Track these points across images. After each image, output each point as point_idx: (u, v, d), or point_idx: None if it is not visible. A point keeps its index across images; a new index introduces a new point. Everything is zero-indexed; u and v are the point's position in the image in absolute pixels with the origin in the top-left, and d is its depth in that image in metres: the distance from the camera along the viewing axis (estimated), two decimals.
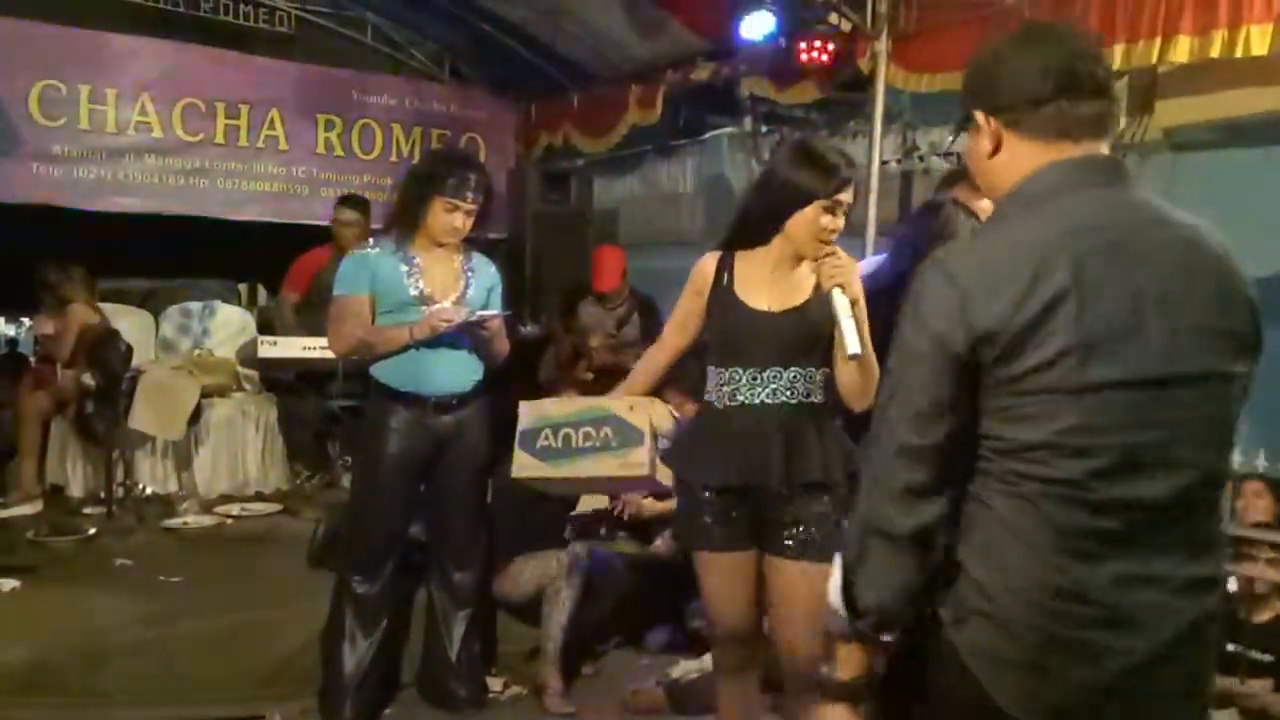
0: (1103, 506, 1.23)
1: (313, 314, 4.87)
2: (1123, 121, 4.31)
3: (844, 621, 1.33)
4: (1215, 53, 3.51)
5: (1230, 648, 3.23)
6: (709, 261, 2.41)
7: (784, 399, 2.29)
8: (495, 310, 3.18)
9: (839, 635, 1.35)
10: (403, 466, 3.07)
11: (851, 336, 2.12)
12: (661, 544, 4.17)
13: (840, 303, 2.16)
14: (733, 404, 2.32)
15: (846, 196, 2.29)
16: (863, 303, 2.22)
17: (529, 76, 6.70)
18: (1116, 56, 3.78)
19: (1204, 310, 1.27)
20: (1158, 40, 3.64)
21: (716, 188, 6.41)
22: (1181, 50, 3.58)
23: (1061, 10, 3.98)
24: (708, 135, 6.36)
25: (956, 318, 1.24)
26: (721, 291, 2.36)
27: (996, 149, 1.37)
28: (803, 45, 4.64)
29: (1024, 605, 1.25)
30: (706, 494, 2.35)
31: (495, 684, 3.45)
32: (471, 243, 3.19)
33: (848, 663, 1.35)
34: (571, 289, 5.64)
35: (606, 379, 5.22)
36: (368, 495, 3.14)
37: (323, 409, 4.67)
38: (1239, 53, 3.44)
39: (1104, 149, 1.34)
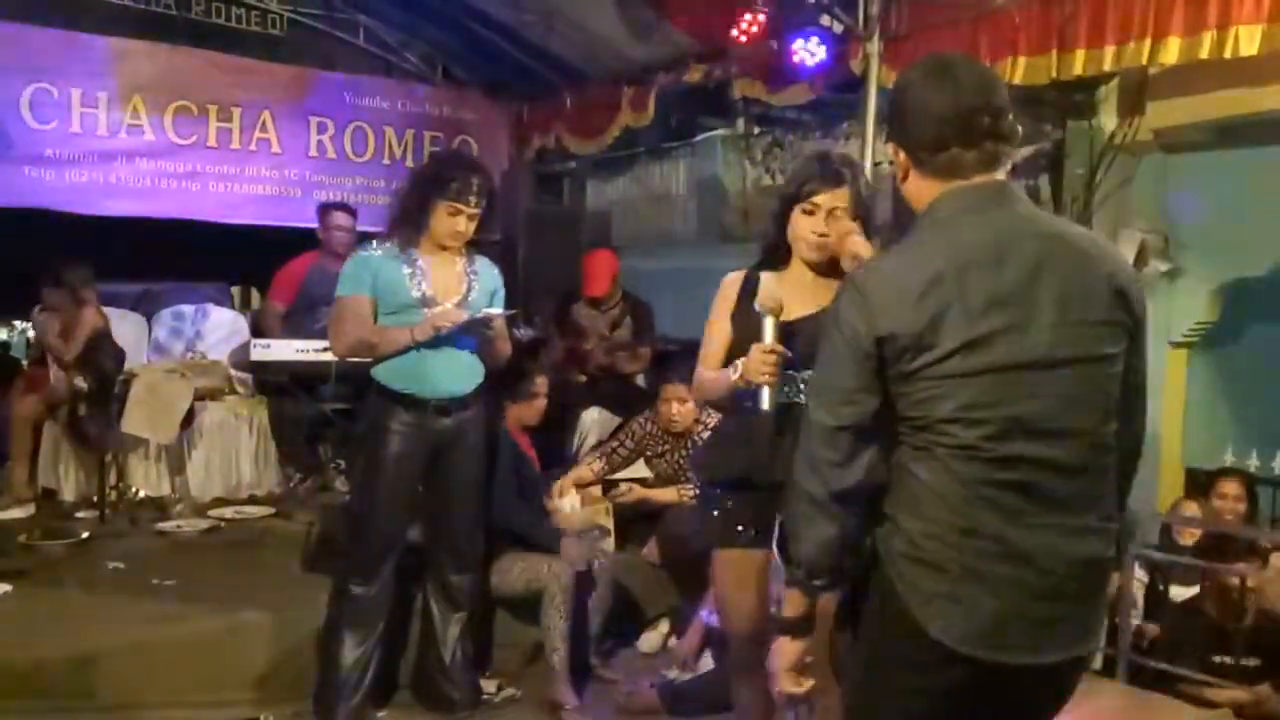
0: (998, 462, 1.49)
1: (301, 321, 4.88)
2: (1114, 122, 4.33)
3: (785, 572, 1.62)
4: (1205, 53, 3.52)
5: (1217, 659, 3.23)
6: (733, 279, 2.44)
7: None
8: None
9: (785, 583, 1.64)
10: (402, 468, 3.07)
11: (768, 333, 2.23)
12: (654, 546, 4.17)
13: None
14: (764, 406, 2.29)
15: (821, 200, 2.29)
16: None
17: (521, 78, 6.69)
18: (1107, 58, 3.80)
19: (1085, 305, 1.51)
20: (1148, 41, 3.66)
21: (709, 189, 6.43)
22: (1171, 51, 3.60)
23: (1050, 12, 3.99)
24: (700, 137, 6.38)
25: (865, 323, 1.50)
26: (744, 304, 2.38)
27: (905, 176, 1.62)
28: (794, 47, 4.64)
29: (941, 545, 1.51)
30: (718, 491, 2.38)
31: (489, 686, 3.45)
32: (474, 245, 3.18)
33: (792, 603, 1.64)
34: (565, 291, 5.64)
35: (602, 382, 5.25)
36: (367, 497, 3.13)
37: (315, 412, 4.66)
38: (1228, 53, 3.46)
39: (996, 175, 1.56)
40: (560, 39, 6.12)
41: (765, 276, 2.41)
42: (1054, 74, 3.98)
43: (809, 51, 4.63)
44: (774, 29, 4.68)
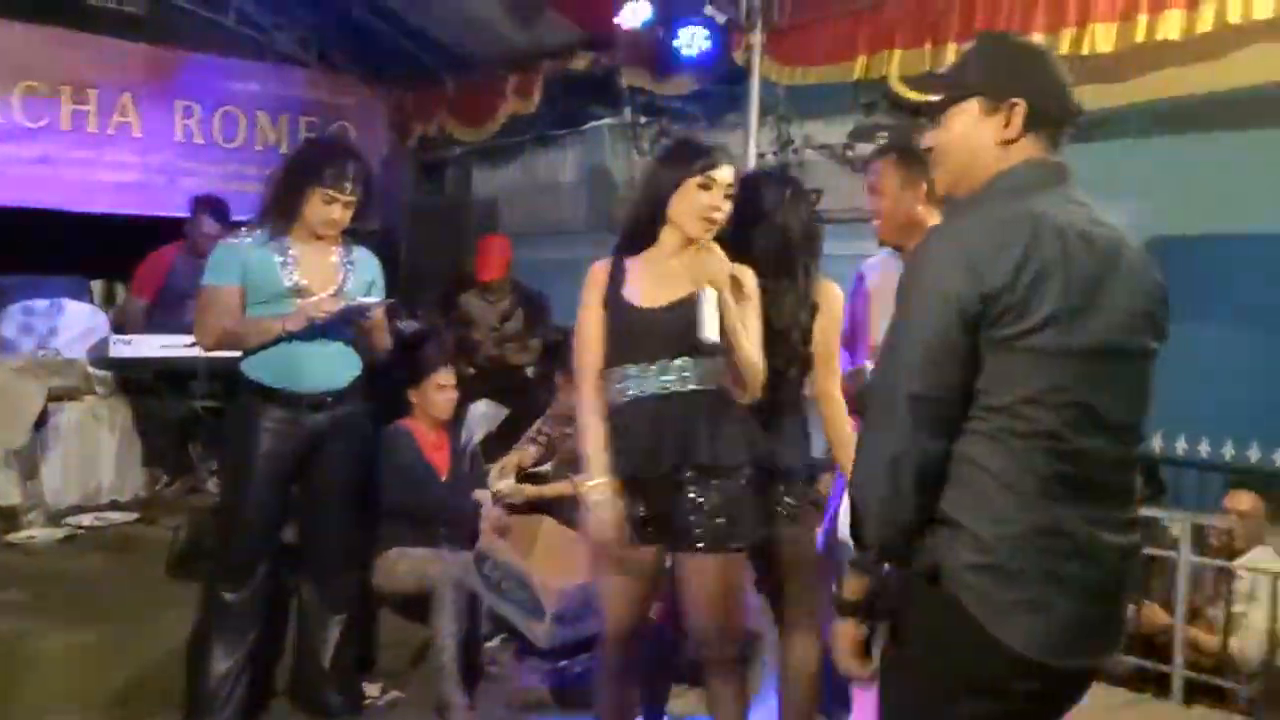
0: (1070, 456, 1.44)
1: (166, 316, 4.65)
2: None
3: (851, 553, 1.55)
4: (1064, 50, 3.66)
5: None
6: (599, 269, 2.42)
7: (675, 389, 2.32)
8: None
9: (847, 563, 1.57)
10: (274, 467, 2.95)
11: (707, 322, 2.20)
12: None
13: (708, 294, 2.23)
14: (625, 399, 2.34)
15: (721, 175, 2.32)
16: (749, 298, 2.34)
17: (402, 64, 6.51)
18: None
19: (1138, 297, 1.51)
20: None
21: (598, 178, 6.39)
22: None
23: (925, 7, 4.10)
24: (588, 125, 6.32)
25: (966, 278, 1.40)
26: (611, 296, 2.39)
27: (1018, 136, 1.53)
28: (679, 37, 4.64)
29: (1018, 549, 1.43)
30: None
31: (372, 689, 3.34)
32: (351, 234, 3.08)
33: (853, 585, 1.57)
34: (452, 281, 5.53)
35: (491, 374, 5.16)
36: (236, 498, 3.00)
37: (184, 410, 4.46)
38: (1086, 50, 3.61)
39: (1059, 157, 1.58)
40: (441, 24, 5.98)
41: (631, 262, 2.40)
42: (929, 67, 4.08)
43: (693, 42, 4.65)
44: (659, 18, 4.68)
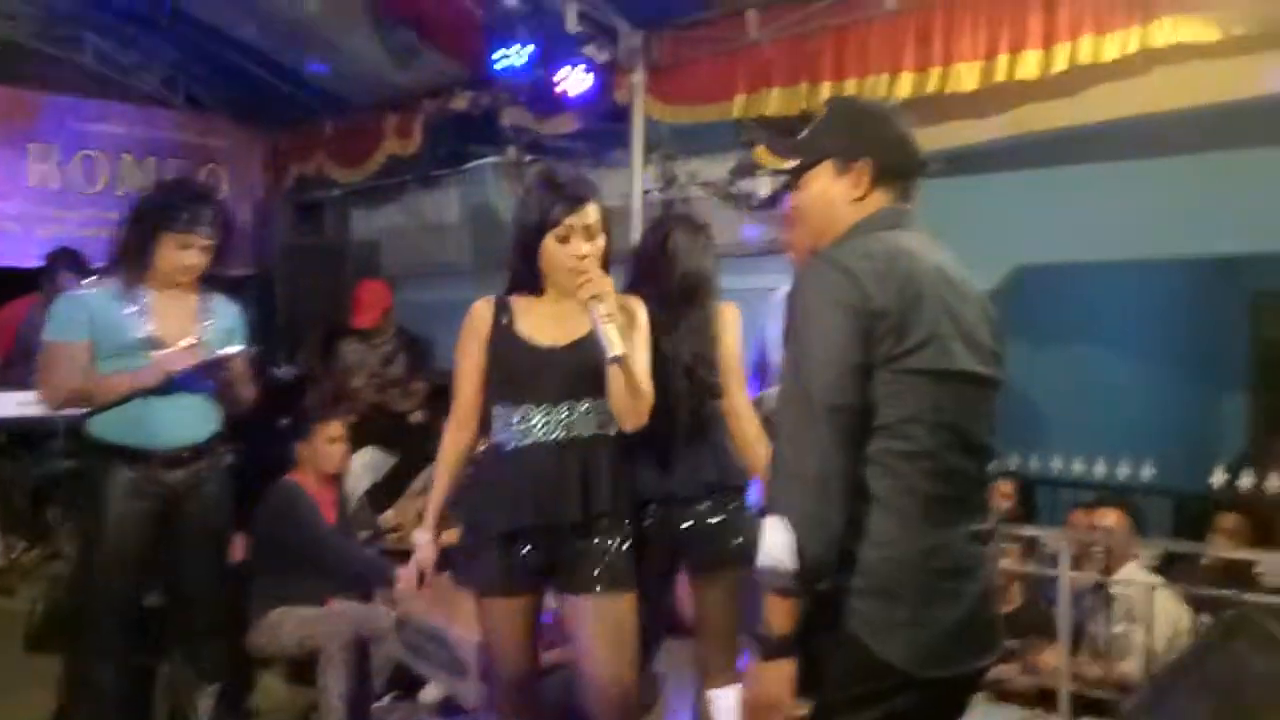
0: (947, 475, 1.55)
1: (21, 373, 4.40)
2: None
3: (786, 577, 1.46)
4: (932, 88, 3.81)
5: None
6: (483, 306, 2.34)
7: (579, 432, 2.26)
8: None
9: (776, 591, 1.48)
10: (130, 530, 2.79)
11: (610, 339, 2.12)
12: None
13: (598, 311, 2.15)
14: (526, 442, 2.25)
15: (577, 219, 2.22)
16: (640, 328, 2.32)
17: (275, 103, 6.35)
18: (850, 91, 4.04)
19: (988, 333, 1.65)
20: (885, 76, 3.92)
21: (483, 217, 6.33)
22: (904, 86, 3.87)
23: (800, 47, 4.21)
24: (471, 165, 6.27)
25: (858, 294, 1.50)
26: (502, 331, 2.29)
27: (866, 193, 1.67)
28: (558, 76, 4.65)
29: (899, 569, 1.51)
30: (494, 538, 2.27)
31: None
32: (214, 281, 2.95)
33: (780, 616, 1.50)
34: (330, 326, 5.39)
35: (373, 421, 5.01)
36: (92, 565, 2.83)
37: (40, 472, 4.21)
38: (950, 88, 3.77)
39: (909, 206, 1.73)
40: (315, 63, 5.86)
41: (518, 300, 2.33)
42: (805, 105, 4.19)
43: (574, 81, 4.65)
44: (538, 58, 4.67)
